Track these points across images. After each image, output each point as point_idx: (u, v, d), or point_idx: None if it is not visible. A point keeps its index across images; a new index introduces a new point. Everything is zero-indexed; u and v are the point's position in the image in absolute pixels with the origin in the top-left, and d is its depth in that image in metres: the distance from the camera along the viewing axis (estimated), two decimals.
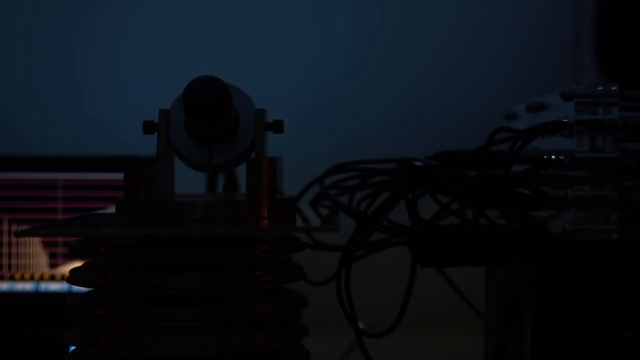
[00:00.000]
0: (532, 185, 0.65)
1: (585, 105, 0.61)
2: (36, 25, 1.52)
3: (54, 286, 1.31)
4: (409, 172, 0.67)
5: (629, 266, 0.61)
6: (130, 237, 0.58)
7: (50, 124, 1.51)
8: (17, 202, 1.32)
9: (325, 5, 1.52)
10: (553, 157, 0.62)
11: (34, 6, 1.52)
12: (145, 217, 0.61)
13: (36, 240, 1.31)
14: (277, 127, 0.66)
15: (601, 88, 0.60)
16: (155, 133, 0.64)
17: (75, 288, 0.61)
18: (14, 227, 1.31)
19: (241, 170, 0.64)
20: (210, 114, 0.60)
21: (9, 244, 1.31)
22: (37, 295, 1.30)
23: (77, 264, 0.62)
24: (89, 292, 0.61)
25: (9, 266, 1.31)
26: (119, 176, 0.64)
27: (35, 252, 1.31)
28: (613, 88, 0.60)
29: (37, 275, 1.31)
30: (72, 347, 0.60)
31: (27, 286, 1.31)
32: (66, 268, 1.29)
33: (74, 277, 0.60)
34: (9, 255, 1.31)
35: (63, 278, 1.29)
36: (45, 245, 1.31)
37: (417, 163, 0.68)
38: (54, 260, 1.31)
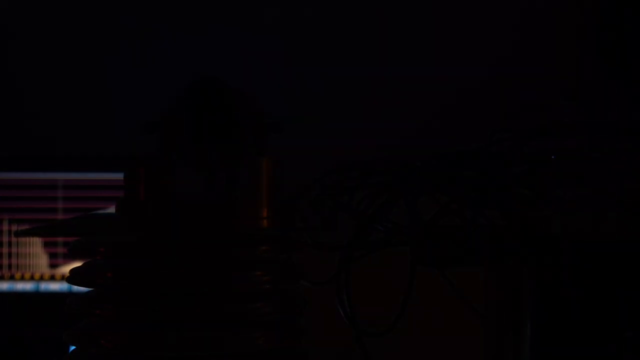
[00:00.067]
0: (532, 185, 0.64)
1: (585, 105, 0.60)
2: (36, 25, 1.52)
3: (54, 286, 1.31)
4: (408, 172, 0.67)
5: (629, 266, 0.61)
6: (130, 237, 0.59)
7: (51, 124, 1.51)
8: (17, 202, 1.32)
9: (326, 4, 1.52)
10: (553, 157, 0.62)
11: (33, 5, 1.52)
12: (145, 217, 0.61)
13: (36, 240, 1.31)
14: (277, 127, 0.66)
15: (601, 88, 0.60)
16: (156, 133, 0.64)
17: (75, 288, 0.61)
18: (14, 227, 1.31)
19: (241, 170, 0.64)
20: (210, 113, 0.60)
21: (9, 244, 1.31)
22: (37, 295, 1.30)
23: (77, 264, 0.62)
24: (89, 292, 0.61)
25: (9, 266, 1.31)
26: (119, 176, 0.64)
27: (35, 252, 1.31)
28: (612, 88, 0.60)
29: (37, 275, 1.31)
30: (72, 347, 0.60)
31: (27, 286, 1.31)
32: (66, 268, 1.29)
33: (74, 277, 0.60)
34: (9, 255, 1.31)
35: (63, 278, 1.29)
36: (45, 245, 1.31)
37: (416, 163, 0.68)
38: (54, 260, 1.31)
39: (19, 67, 1.52)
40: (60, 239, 1.31)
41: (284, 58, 1.51)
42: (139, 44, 1.51)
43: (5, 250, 1.31)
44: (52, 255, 1.31)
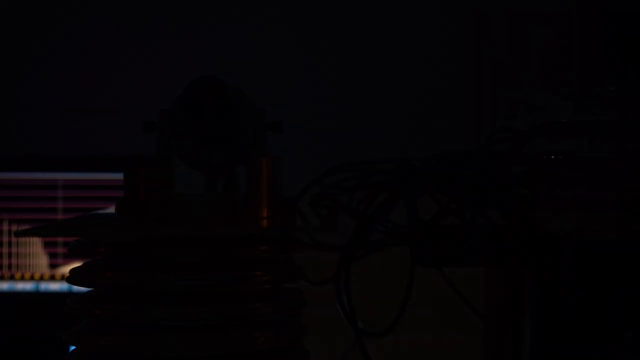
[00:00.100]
0: (532, 185, 0.65)
1: (584, 105, 0.61)
2: (36, 25, 1.52)
3: (54, 286, 1.31)
4: (408, 172, 0.67)
5: (629, 266, 0.61)
6: (130, 237, 0.59)
7: (51, 123, 1.51)
8: (17, 202, 1.32)
9: (325, 4, 1.52)
10: (553, 157, 0.62)
11: (33, 5, 1.52)
12: (145, 217, 0.61)
13: (36, 240, 1.31)
14: (277, 127, 0.66)
15: (600, 88, 0.61)
16: (155, 133, 0.64)
17: (75, 288, 0.61)
18: (14, 227, 1.31)
19: (241, 170, 0.64)
20: (210, 113, 0.60)
21: (9, 244, 1.31)
22: (37, 295, 1.30)
23: (77, 264, 0.62)
24: (89, 292, 0.61)
25: (9, 266, 1.31)
26: (119, 176, 0.64)
27: (35, 252, 1.31)
28: (612, 88, 0.60)
29: (37, 275, 1.31)
30: (72, 347, 0.60)
31: (27, 286, 1.31)
32: (66, 268, 1.29)
33: (74, 277, 0.60)
34: (9, 255, 1.31)
35: (63, 278, 1.29)
36: (45, 245, 1.31)
37: (416, 163, 0.68)
38: (54, 260, 1.31)
39: (18, 67, 1.52)
40: (60, 239, 1.31)
41: (284, 58, 1.51)
42: (139, 43, 1.51)
43: (5, 250, 1.31)
44: (52, 255, 1.31)
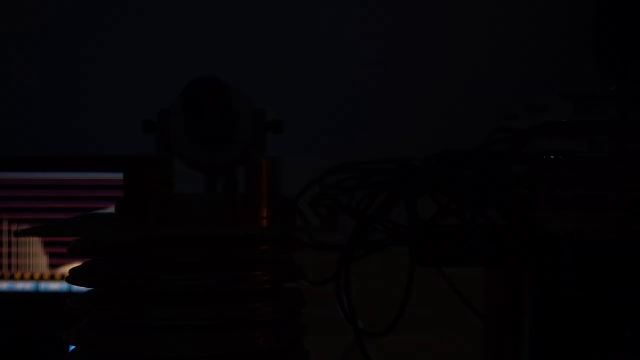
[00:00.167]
0: (532, 185, 0.65)
1: (584, 105, 0.61)
2: (36, 25, 1.52)
3: (54, 286, 1.31)
4: (408, 172, 0.67)
5: (629, 266, 0.61)
6: (130, 237, 0.59)
7: (51, 124, 1.51)
8: (17, 202, 1.32)
9: (325, 4, 1.52)
10: (553, 157, 0.62)
11: (33, 6, 1.52)
12: (145, 217, 0.61)
13: (36, 240, 1.31)
14: (277, 127, 0.66)
15: (600, 88, 0.61)
16: (155, 133, 0.64)
17: (75, 288, 0.61)
18: (14, 227, 1.31)
19: (241, 170, 0.64)
20: (209, 113, 0.60)
21: (9, 244, 1.31)
22: (37, 295, 1.30)
23: (77, 264, 0.62)
24: (88, 292, 0.61)
25: (9, 266, 1.31)
26: (119, 176, 0.64)
27: (35, 252, 1.31)
28: (612, 88, 0.60)
29: (37, 275, 1.31)
30: (72, 347, 0.60)
31: (27, 286, 1.31)
32: (66, 268, 1.29)
33: (74, 277, 0.60)
34: (9, 255, 1.31)
35: (63, 278, 1.29)
36: (45, 245, 1.31)
37: (416, 163, 0.68)
38: (54, 260, 1.31)
39: (18, 66, 1.52)
40: (60, 239, 1.31)
41: (284, 57, 1.51)
42: (139, 43, 1.51)
43: (5, 250, 1.31)
44: (52, 255, 1.31)
